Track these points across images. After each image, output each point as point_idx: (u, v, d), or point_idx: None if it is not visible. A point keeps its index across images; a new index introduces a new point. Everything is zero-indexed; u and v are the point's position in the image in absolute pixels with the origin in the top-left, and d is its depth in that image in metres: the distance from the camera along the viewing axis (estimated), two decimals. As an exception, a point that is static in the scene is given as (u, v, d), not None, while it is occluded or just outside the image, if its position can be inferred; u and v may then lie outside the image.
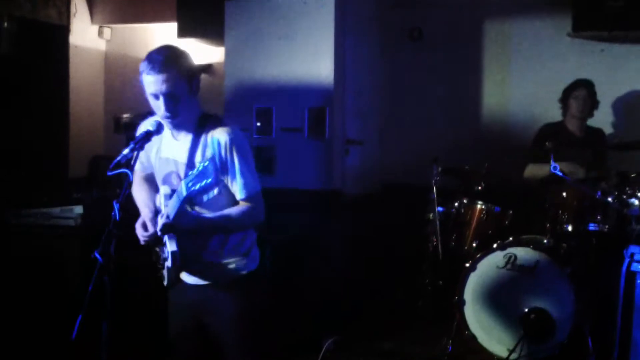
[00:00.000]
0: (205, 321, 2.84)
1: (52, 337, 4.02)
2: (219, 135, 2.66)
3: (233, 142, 2.66)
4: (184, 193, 2.45)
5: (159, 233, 2.63)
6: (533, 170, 5.07)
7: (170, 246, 2.66)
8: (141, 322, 4.02)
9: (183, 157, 2.70)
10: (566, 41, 5.95)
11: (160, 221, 2.59)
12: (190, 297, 2.85)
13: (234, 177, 2.68)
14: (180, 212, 2.56)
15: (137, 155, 2.57)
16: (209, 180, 2.39)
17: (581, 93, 5.13)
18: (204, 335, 2.86)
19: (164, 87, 2.55)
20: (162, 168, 2.82)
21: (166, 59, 2.56)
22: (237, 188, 2.70)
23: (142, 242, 2.79)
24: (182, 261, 2.69)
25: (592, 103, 5.18)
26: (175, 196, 2.56)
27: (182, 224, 2.60)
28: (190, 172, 2.44)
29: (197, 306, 2.84)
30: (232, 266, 2.80)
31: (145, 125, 2.73)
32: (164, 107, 2.60)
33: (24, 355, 4.23)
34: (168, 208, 2.62)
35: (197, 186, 2.40)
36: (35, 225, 4.60)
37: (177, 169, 2.74)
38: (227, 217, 2.71)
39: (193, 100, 2.69)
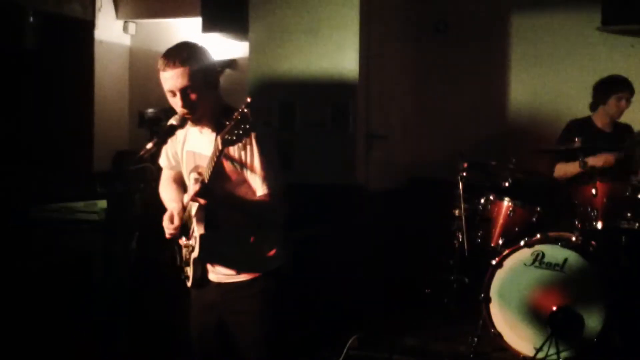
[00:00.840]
0: (226, 320, 2.81)
1: (76, 333, 4.03)
2: None
3: (256, 134, 2.60)
4: (220, 147, 2.38)
5: (188, 200, 2.60)
6: (563, 169, 4.96)
7: (198, 230, 2.65)
8: (163, 318, 4.01)
9: (209, 151, 2.67)
10: (595, 35, 5.86)
11: (195, 186, 2.51)
12: (212, 296, 2.82)
13: (254, 170, 2.63)
14: (216, 173, 2.49)
15: (161, 149, 2.56)
16: (248, 125, 2.28)
17: (625, 95, 4.95)
18: (224, 334, 2.83)
19: (178, 83, 2.55)
20: (189, 161, 2.80)
21: (181, 55, 2.56)
22: (258, 182, 2.64)
23: (168, 235, 2.76)
24: (209, 247, 2.67)
25: (629, 104, 5.04)
26: (209, 159, 2.49)
27: (214, 191, 2.54)
28: (225, 123, 2.34)
29: (219, 305, 2.81)
30: (255, 263, 2.77)
31: (171, 120, 2.72)
32: (181, 103, 2.59)
33: (47, 348, 4.24)
34: (203, 171, 2.57)
35: (236, 134, 2.29)
36: (59, 219, 4.62)
37: (202, 162, 2.71)
38: (253, 203, 2.67)
39: (212, 94, 2.67)
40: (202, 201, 2.56)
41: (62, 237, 4.57)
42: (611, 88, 4.99)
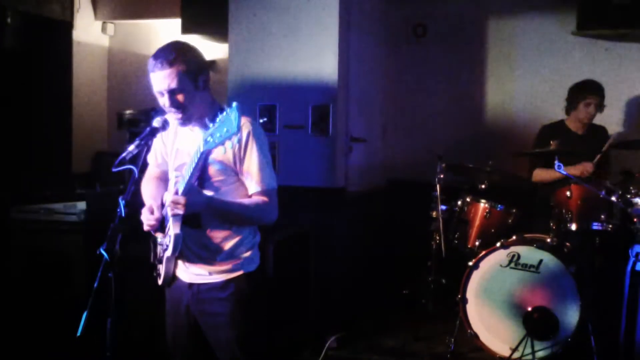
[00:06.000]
0: (199, 321, 2.81)
1: (57, 333, 4.02)
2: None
3: (252, 133, 2.65)
4: (202, 148, 2.37)
5: (166, 212, 2.57)
6: (542, 175, 5.03)
7: (174, 229, 2.63)
8: (145, 318, 4.02)
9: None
10: (571, 39, 5.95)
11: (168, 196, 2.51)
12: (185, 297, 2.81)
13: (250, 169, 2.65)
14: (191, 186, 2.48)
15: (143, 151, 2.56)
16: (232, 129, 2.26)
17: (594, 100, 5.00)
18: (198, 335, 2.83)
19: (165, 84, 2.56)
20: (176, 159, 2.80)
21: (169, 56, 2.56)
22: (253, 181, 2.66)
23: (146, 227, 2.72)
24: (182, 247, 2.67)
25: (601, 108, 5.10)
26: (190, 159, 2.47)
27: (192, 199, 2.49)
28: (209, 125, 2.33)
29: (191, 306, 2.81)
30: (230, 265, 2.76)
31: (153, 122, 2.73)
32: (169, 103, 2.60)
33: (29, 351, 4.23)
34: (183, 172, 2.56)
35: (218, 136, 2.28)
36: (39, 221, 4.61)
37: (189, 160, 2.70)
38: (242, 205, 2.66)
39: (201, 94, 2.67)
40: (181, 202, 2.46)
41: (42, 239, 4.56)
42: (580, 93, 5.05)
